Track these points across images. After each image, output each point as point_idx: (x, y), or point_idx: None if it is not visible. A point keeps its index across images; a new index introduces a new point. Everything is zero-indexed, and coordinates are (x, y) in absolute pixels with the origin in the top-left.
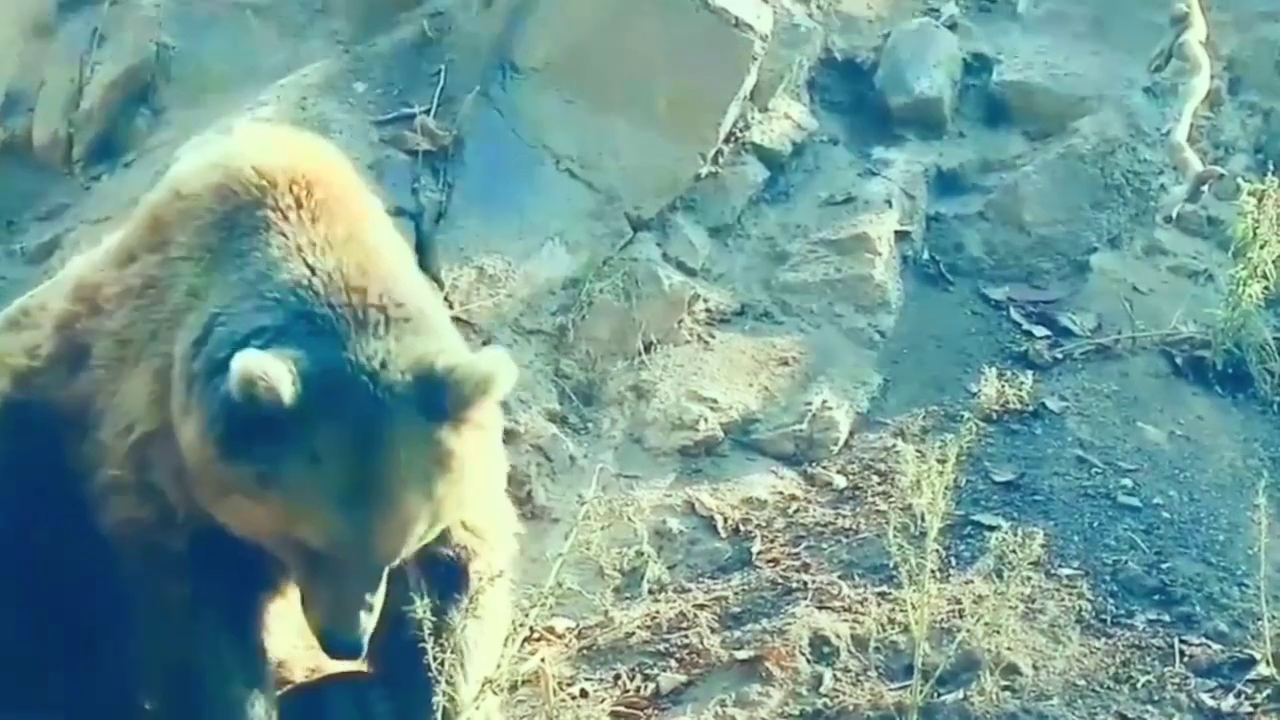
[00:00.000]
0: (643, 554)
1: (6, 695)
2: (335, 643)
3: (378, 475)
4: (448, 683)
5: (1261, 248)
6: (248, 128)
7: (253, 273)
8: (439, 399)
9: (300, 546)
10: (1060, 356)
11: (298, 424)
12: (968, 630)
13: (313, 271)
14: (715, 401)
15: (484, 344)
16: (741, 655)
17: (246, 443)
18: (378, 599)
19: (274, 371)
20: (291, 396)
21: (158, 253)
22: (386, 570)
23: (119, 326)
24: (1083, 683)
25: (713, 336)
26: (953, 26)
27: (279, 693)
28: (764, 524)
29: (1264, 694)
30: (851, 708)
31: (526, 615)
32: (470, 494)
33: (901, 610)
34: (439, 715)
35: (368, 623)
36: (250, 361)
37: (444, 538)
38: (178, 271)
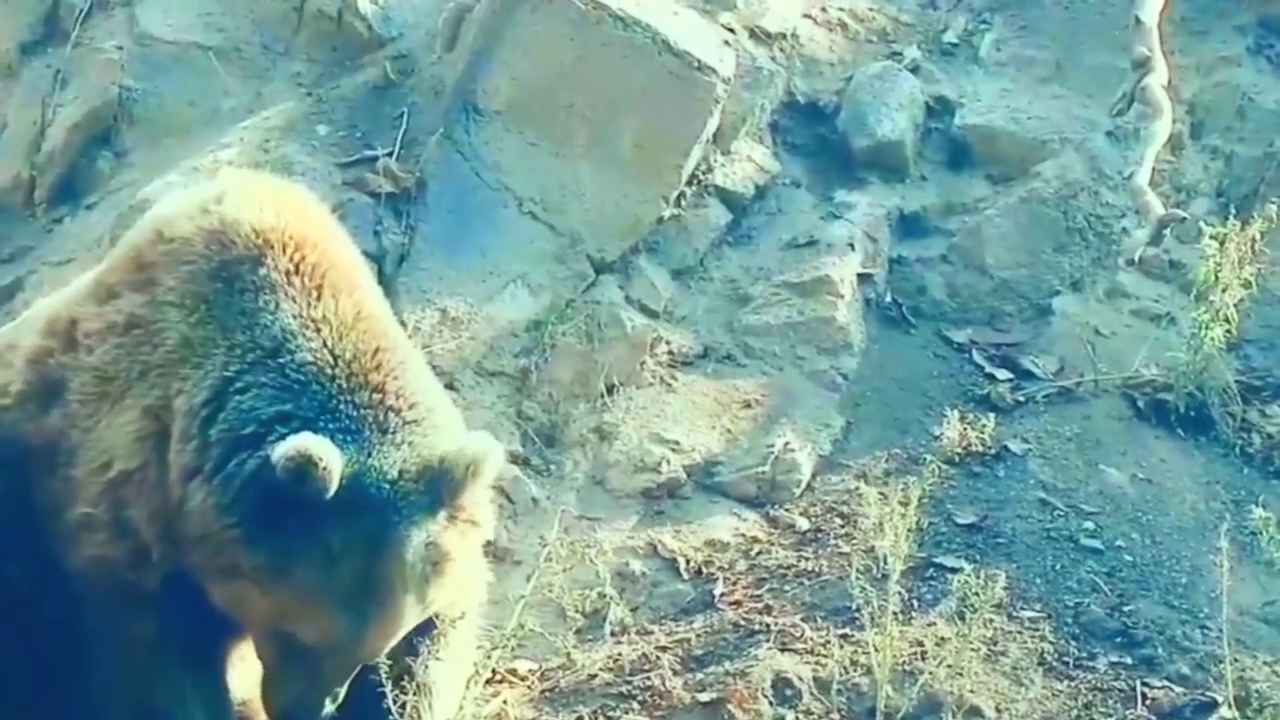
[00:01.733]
0: (605, 596)
1: None
2: None
3: (383, 579)
4: None
5: (1223, 291)
6: (231, 174)
7: (267, 340)
8: (436, 492)
9: (287, 639)
10: (1022, 399)
11: (322, 520)
12: (930, 672)
13: (334, 359)
14: (678, 443)
15: (446, 386)
16: (704, 697)
17: (269, 529)
18: (341, 689)
19: (332, 458)
20: (337, 487)
21: (142, 292)
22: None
23: (100, 362)
24: None
25: (675, 379)
26: (915, 70)
27: None
28: (726, 566)
29: None
30: None
31: (489, 657)
32: (455, 594)
33: (864, 652)
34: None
35: (328, 708)
36: (311, 443)
37: None
38: (166, 316)
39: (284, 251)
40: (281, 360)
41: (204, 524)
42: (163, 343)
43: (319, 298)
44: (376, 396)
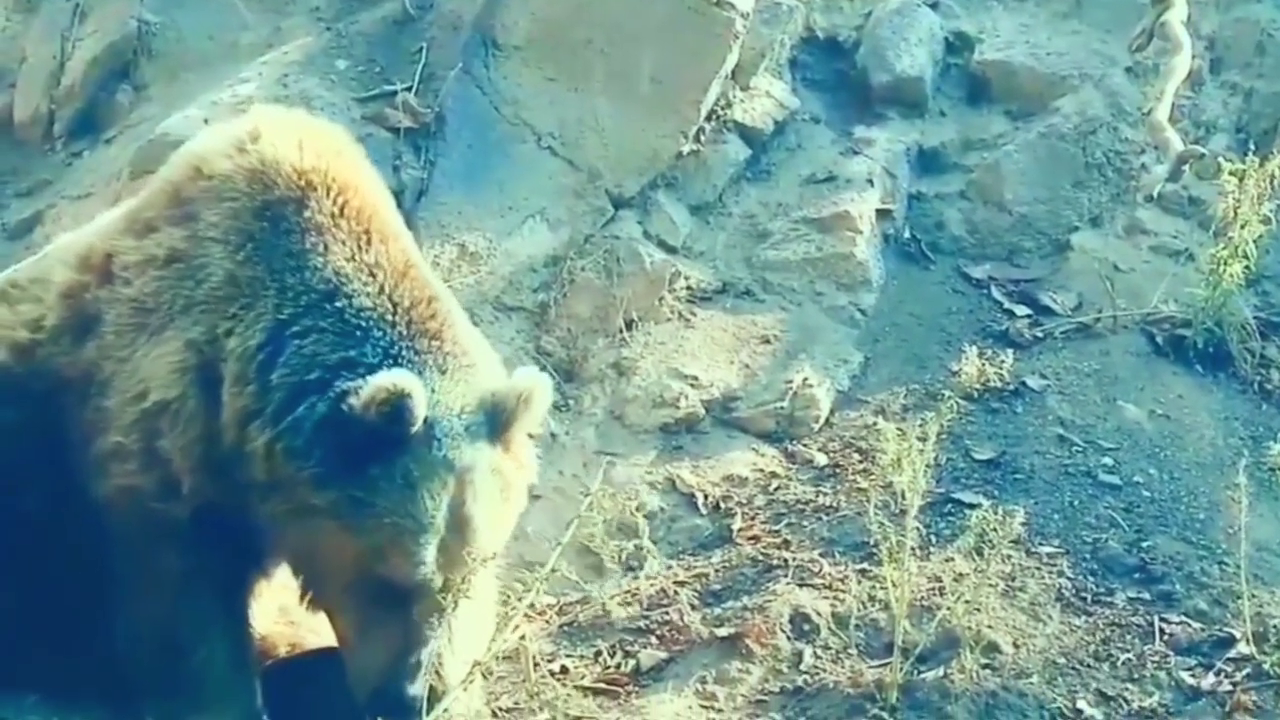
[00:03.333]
0: (642, 548)
1: None
2: (393, 699)
3: (461, 506)
4: (434, 660)
5: (1242, 227)
6: (263, 111)
7: (320, 283)
8: (495, 424)
9: (378, 585)
10: (1041, 335)
11: (401, 453)
12: (948, 608)
13: (393, 306)
14: (696, 379)
15: None
16: (722, 632)
17: (345, 468)
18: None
19: (420, 391)
20: (422, 418)
21: (182, 227)
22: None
23: (139, 294)
24: (1063, 660)
25: (694, 314)
26: (934, 5)
27: (263, 666)
28: (745, 501)
29: (1244, 672)
30: (831, 685)
31: (518, 599)
32: (510, 526)
33: (882, 588)
34: (424, 694)
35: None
36: (402, 379)
37: None
38: (209, 251)
39: (327, 194)
40: (339, 304)
41: (273, 469)
42: (207, 278)
43: (369, 243)
44: (435, 344)
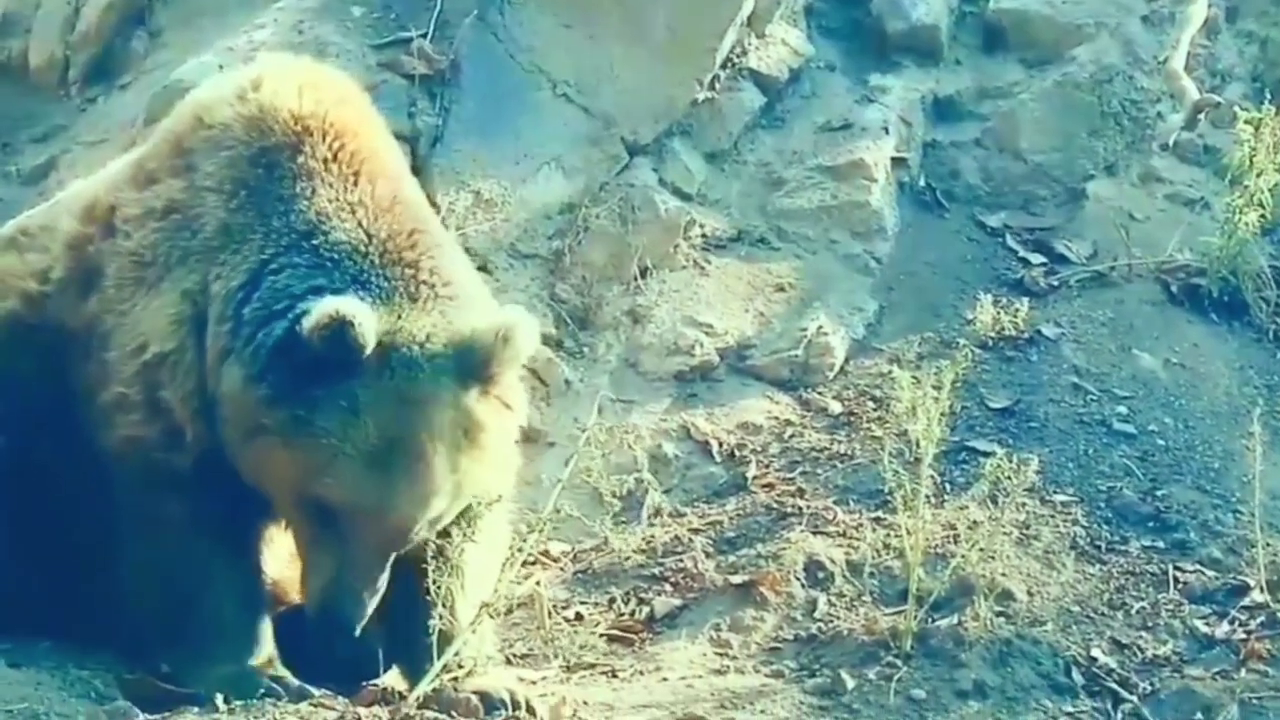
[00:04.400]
0: (642, 482)
1: None
2: (329, 620)
3: (409, 437)
4: (444, 605)
5: (1258, 176)
6: (269, 59)
7: (302, 223)
8: (469, 364)
9: (317, 506)
10: (1056, 284)
11: (349, 376)
12: (962, 556)
13: (369, 238)
14: (711, 327)
15: (479, 268)
16: (736, 580)
17: (295, 389)
18: (379, 587)
19: (365, 315)
20: (371, 345)
21: (181, 178)
22: (392, 556)
23: (138, 246)
24: (1077, 609)
25: (709, 262)
26: None
27: (275, 612)
28: (759, 449)
29: (1258, 620)
30: (845, 632)
31: (524, 540)
32: (489, 476)
33: (896, 535)
34: (435, 637)
35: (366, 608)
36: (342, 304)
37: None
38: (205, 201)
39: (323, 139)
40: (316, 241)
41: (234, 398)
42: (201, 228)
43: (356, 183)
44: (409, 272)
